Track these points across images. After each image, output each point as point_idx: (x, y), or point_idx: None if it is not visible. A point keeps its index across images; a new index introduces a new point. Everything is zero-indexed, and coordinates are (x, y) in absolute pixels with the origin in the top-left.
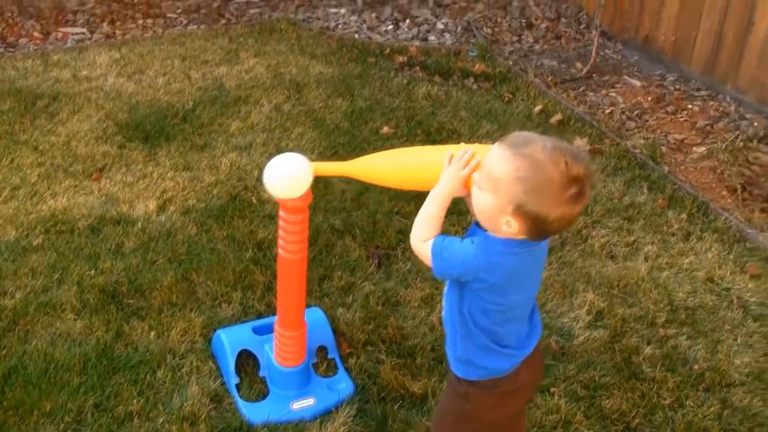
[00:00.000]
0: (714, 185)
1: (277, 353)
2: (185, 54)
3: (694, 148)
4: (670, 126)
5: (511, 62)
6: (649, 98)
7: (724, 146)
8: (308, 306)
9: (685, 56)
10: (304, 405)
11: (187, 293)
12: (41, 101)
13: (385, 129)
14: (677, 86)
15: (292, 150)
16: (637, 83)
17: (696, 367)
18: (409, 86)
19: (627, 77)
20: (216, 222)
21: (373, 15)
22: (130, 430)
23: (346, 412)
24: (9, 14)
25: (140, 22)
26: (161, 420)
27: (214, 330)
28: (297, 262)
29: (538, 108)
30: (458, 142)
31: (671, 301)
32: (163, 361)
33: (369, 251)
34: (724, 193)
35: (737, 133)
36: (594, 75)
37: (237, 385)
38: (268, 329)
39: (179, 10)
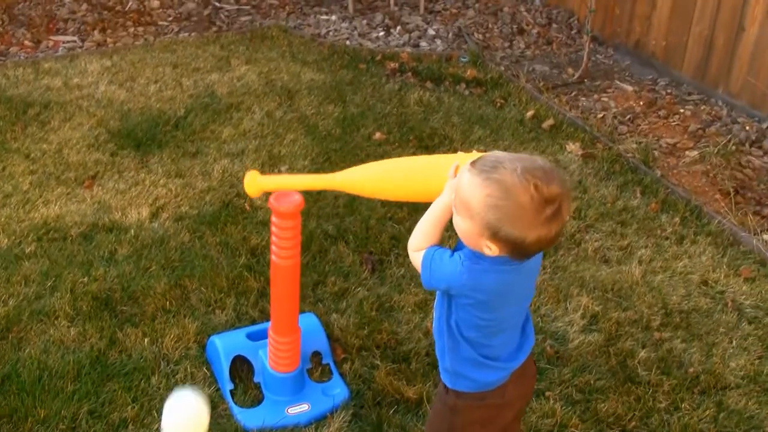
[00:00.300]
0: (707, 189)
1: (272, 359)
2: (176, 61)
3: (687, 152)
4: (663, 130)
5: (502, 68)
6: (641, 103)
7: (716, 150)
8: (302, 311)
9: (676, 61)
10: (299, 410)
11: (180, 300)
12: (32, 109)
13: (378, 135)
14: (669, 91)
15: (284, 156)
16: (629, 88)
17: (691, 370)
18: (401, 92)
19: (618, 82)
20: (209, 228)
21: (364, 22)
22: None
23: (342, 417)
24: None
25: (131, 30)
26: (156, 426)
27: (208, 336)
28: (290, 268)
29: (530, 113)
30: (450, 149)
31: (665, 305)
32: (158, 367)
33: (362, 257)
34: (717, 196)
35: (729, 136)
36: (585, 80)
37: (231, 391)
38: (262, 335)
39: (170, 18)
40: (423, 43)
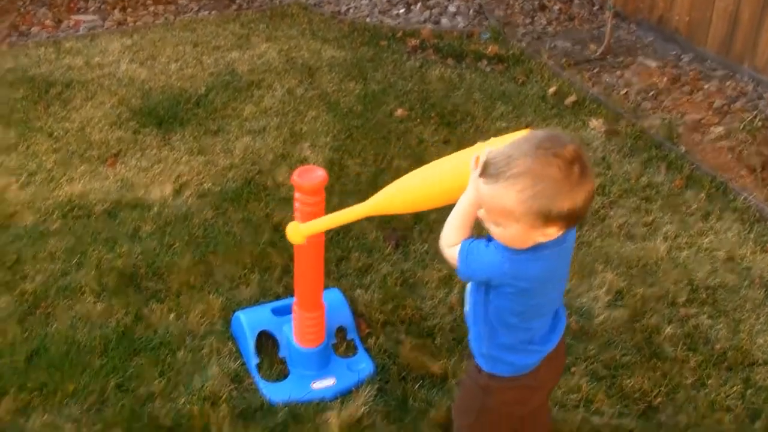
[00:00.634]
0: (732, 165)
1: (297, 334)
2: (197, 40)
3: (712, 128)
4: (687, 106)
5: (524, 44)
6: (665, 79)
7: (742, 126)
8: (326, 287)
9: (700, 36)
10: (324, 385)
11: (205, 276)
12: (54, 88)
13: (399, 111)
14: (693, 66)
15: (306, 133)
16: (653, 64)
17: (718, 346)
18: (422, 69)
19: (642, 58)
20: (232, 205)
21: None
22: (152, 410)
23: (367, 391)
24: (21, 3)
25: (152, 8)
26: (183, 400)
27: (233, 311)
28: (314, 244)
29: (552, 90)
30: (473, 125)
31: (691, 281)
32: (183, 342)
33: (385, 233)
34: (743, 172)
35: (755, 112)
36: (608, 56)
37: (257, 366)
38: (286, 310)
39: None
40: (444, 20)
